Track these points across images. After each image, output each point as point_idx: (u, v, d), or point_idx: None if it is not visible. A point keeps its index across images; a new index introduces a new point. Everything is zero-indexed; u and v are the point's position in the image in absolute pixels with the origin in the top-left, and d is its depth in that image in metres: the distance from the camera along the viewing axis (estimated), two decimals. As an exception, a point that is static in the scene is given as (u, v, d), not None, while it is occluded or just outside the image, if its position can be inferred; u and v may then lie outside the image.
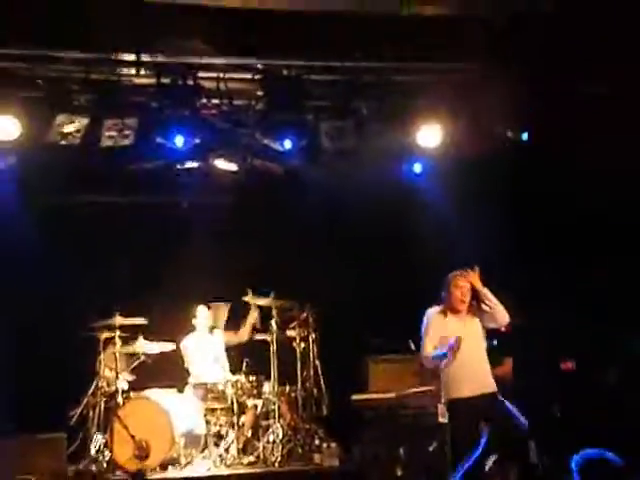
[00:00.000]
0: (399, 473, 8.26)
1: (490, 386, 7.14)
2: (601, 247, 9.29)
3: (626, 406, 8.26)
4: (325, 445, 8.82)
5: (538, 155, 9.00)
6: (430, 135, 8.70)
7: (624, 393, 8.45)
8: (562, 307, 9.07)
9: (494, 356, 8.61)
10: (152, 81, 7.96)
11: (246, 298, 9.26)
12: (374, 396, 8.79)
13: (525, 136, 8.82)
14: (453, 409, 7.19)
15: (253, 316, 9.40)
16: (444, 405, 7.36)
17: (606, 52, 8.30)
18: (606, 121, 8.44)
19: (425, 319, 7.26)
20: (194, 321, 9.44)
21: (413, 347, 9.29)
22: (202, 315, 9.43)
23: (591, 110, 8.53)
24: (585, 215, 9.31)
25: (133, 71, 7.86)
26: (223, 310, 9.73)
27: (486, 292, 7.13)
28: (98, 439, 8.42)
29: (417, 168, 9.25)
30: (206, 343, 9.43)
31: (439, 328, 7.15)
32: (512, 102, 8.67)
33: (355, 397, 8.81)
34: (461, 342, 6.88)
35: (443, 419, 7.77)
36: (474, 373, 7.10)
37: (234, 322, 9.62)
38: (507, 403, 7.13)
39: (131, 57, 7.71)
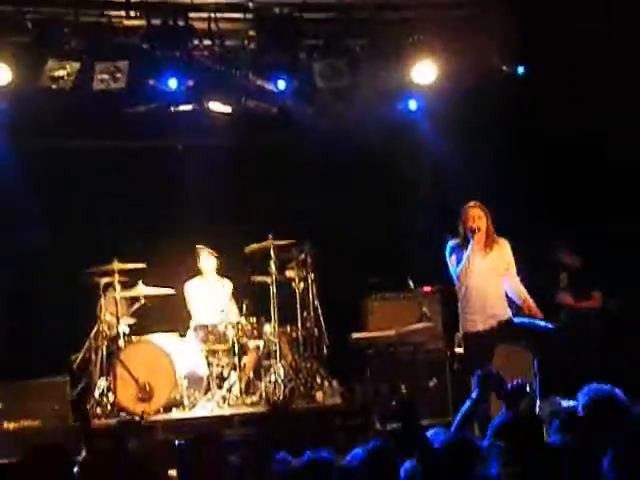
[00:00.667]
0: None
1: (504, 315, 7.22)
2: (598, 183, 9.28)
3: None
4: (327, 383, 8.90)
5: (535, 90, 8.94)
6: (425, 71, 8.65)
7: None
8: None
9: (582, 289, 8.67)
10: (142, 22, 7.90)
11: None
12: (374, 334, 8.84)
13: (521, 70, 8.78)
14: (467, 341, 7.31)
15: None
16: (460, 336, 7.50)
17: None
18: (604, 57, 8.39)
19: (447, 251, 7.35)
20: (199, 264, 9.41)
21: (412, 284, 9.35)
22: (205, 258, 9.38)
23: (589, 46, 8.47)
24: (582, 152, 9.28)
25: (123, 12, 7.79)
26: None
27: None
28: (101, 382, 8.49)
29: (412, 105, 9.21)
30: (211, 289, 9.40)
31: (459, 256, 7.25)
32: (508, 37, 8.60)
33: (355, 335, 8.86)
34: None
35: (459, 349, 7.88)
36: (490, 307, 7.18)
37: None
38: (526, 320, 7.22)
39: (120, -2, 7.65)
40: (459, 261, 7.20)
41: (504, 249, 7.34)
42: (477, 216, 7.22)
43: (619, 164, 9.01)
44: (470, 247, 7.13)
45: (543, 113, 9.14)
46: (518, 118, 9.31)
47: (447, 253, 7.32)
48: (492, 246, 7.28)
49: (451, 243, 7.34)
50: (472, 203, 7.30)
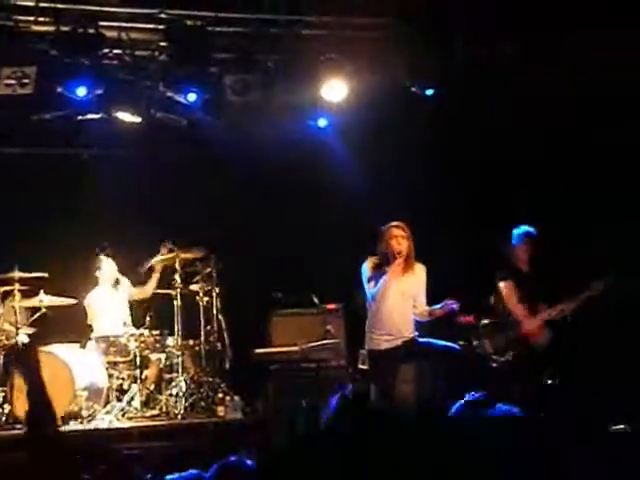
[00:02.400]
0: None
1: (411, 335, 7.28)
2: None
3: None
4: (228, 398, 8.85)
5: (442, 111, 9.12)
6: (335, 89, 8.73)
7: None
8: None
9: None
10: (52, 28, 7.79)
11: (160, 255, 9.18)
12: (277, 349, 8.85)
13: (430, 92, 8.93)
14: (372, 359, 7.37)
15: (157, 274, 9.34)
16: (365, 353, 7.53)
17: (514, 14, 8.45)
18: (513, 81, 8.62)
19: (363, 270, 7.32)
20: (97, 273, 9.31)
21: (316, 301, 9.40)
22: (105, 266, 9.29)
23: (497, 70, 8.68)
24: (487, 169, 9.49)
25: (31, 18, 7.67)
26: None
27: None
28: (-4, 393, 8.30)
29: (322, 122, 9.30)
30: (110, 297, 9.33)
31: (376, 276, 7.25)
32: (418, 59, 8.76)
33: (258, 351, 8.86)
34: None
35: (364, 366, 7.92)
36: (397, 329, 7.24)
37: (137, 277, 9.52)
38: (431, 340, 7.29)
39: (29, 2, 7.52)
40: (376, 281, 7.22)
41: (420, 275, 7.36)
42: (400, 237, 7.20)
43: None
44: (389, 271, 7.15)
45: (450, 133, 9.34)
46: (425, 137, 9.49)
47: (363, 271, 7.31)
48: (409, 270, 7.28)
49: (369, 263, 7.31)
50: (396, 223, 7.26)
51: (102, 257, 9.26)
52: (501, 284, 8.04)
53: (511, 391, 7.26)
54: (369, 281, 7.27)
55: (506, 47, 8.59)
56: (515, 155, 9.07)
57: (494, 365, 7.94)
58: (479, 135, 9.14)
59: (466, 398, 4.03)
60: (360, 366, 8.30)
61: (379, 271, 7.23)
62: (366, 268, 7.31)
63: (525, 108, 8.60)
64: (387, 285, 7.15)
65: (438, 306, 7.27)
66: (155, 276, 9.39)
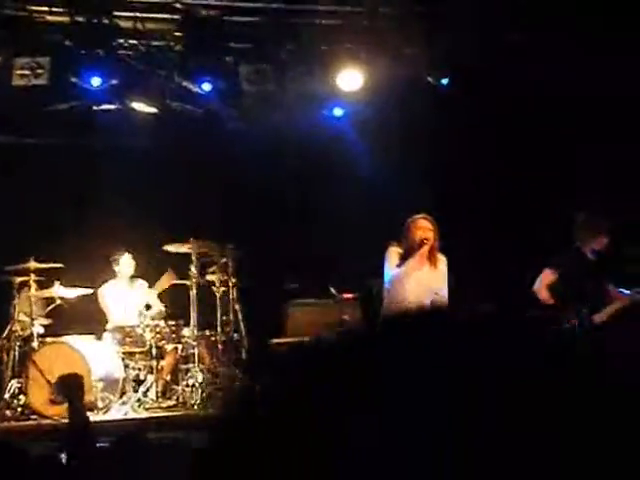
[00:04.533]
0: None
1: None
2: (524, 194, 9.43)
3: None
4: (245, 389, 8.84)
5: (459, 100, 9.06)
6: (350, 79, 8.69)
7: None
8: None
9: None
10: (66, 19, 7.78)
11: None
12: (293, 340, 8.82)
13: (445, 81, 8.88)
14: None
15: (171, 276, 9.24)
16: None
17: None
18: (527, 69, 8.55)
19: (387, 256, 7.15)
20: (116, 268, 9.27)
21: (333, 291, 9.36)
22: (125, 263, 9.24)
23: (513, 58, 8.62)
24: (506, 165, 9.43)
25: (46, 8, 7.67)
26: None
27: None
28: (12, 384, 8.31)
29: (337, 112, 9.25)
30: (126, 293, 9.27)
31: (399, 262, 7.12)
32: (433, 48, 8.71)
33: (274, 341, 8.84)
34: None
35: None
36: None
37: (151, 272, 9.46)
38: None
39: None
40: (398, 266, 7.10)
41: (442, 269, 7.18)
42: (427, 229, 7.05)
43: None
44: (412, 258, 7.01)
45: (467, 122, 9.28)
46: (443, 126, 9.43)
47: (387, 256, 7.15)
48: (432, 263, 7.17)
49: (392, 251, 7.18)
50: (422, 215, 7.09)
51: (124, 254, 9.19)
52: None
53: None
54: (391, 264, 7.15)
55: (515, 37, 8.55)
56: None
57: None
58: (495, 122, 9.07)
59: None
60: None
61: (401, 258, 7.13)
62: (390, 254, 7.16)
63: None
64: (407, 271, 7.01)
65: None
66: (167, 279, 9.24)
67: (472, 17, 8.53)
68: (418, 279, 7.10)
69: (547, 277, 7.69)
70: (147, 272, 9.39)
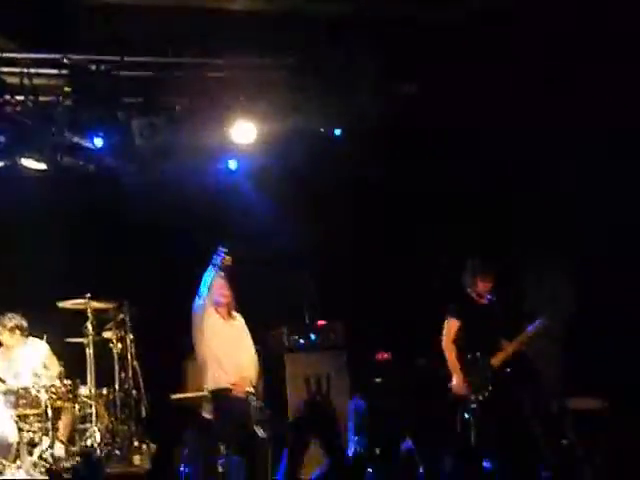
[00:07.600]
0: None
1: None
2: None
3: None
4: (145, 446, 8.68)
5: (353, 150, 9.19)
6: (244, 131, 8.71)
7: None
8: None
9: None
10: (-52, 76, 7.65)
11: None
12: (193, 394, 8.70)
13: (338, 132, 8.99)
14: None
15: None
16: None
17: (416, 53, 8.59)
18: (415, 119, 8.75)
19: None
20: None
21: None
22: (8, 336, 8.91)
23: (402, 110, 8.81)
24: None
25: None
26: None
27: None
28: None
29: (232, 165, 9.26)
30: (20, 355, 8.97)
31: None
32: (325, 99, 8.81)
33: (174, 396, 8.73)
34: None
35: None
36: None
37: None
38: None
39: None
40: None
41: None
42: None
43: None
44: None
45: (360, 170, 9.42)
46: (339, 177, 9.54)
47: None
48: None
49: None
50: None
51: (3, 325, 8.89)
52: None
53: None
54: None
55: (409, 88, 8.74)
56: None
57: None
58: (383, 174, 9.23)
59: None
60: None
61: None
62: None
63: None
64: None
65: None
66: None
67: (366, 70, 8.68)
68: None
69: (453, 326, 7.91)
70: (44, 330, 9.16)
